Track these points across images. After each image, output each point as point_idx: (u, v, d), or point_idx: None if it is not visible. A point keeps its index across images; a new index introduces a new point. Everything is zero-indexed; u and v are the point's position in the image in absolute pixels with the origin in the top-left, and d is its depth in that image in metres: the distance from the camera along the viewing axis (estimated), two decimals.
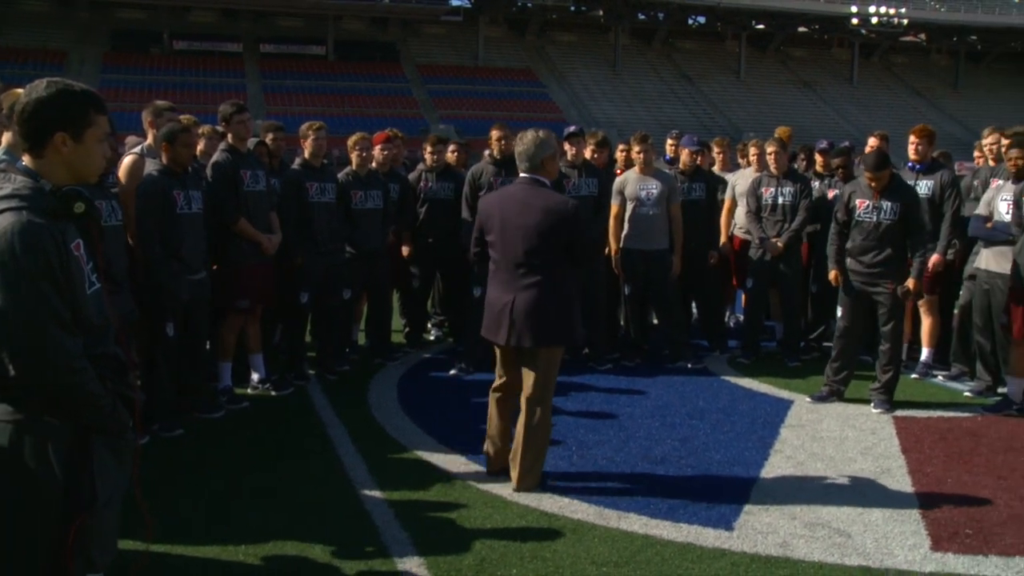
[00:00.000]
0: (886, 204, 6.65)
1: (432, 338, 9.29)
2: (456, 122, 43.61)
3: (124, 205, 5.74)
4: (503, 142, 7.83)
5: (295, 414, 6.60)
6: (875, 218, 6.68)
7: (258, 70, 49.28)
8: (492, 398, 5.38)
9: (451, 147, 9.02)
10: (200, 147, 6.94)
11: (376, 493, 5.03)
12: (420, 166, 8.70)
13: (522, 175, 5.13)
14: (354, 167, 7.80)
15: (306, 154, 7.33)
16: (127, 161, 6.09)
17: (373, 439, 6.02)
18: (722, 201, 8.85)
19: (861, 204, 6.77)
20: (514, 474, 5.08)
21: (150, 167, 6.00)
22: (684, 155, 8.50)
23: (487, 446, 5.37)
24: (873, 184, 6.68)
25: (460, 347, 8.29)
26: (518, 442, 5.06)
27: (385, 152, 8.12)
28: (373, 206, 7.79)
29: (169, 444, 5.85)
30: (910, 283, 6.64)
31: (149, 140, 6.28)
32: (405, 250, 8.40)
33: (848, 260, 6.87)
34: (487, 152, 8.08)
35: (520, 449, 5.04)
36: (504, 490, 5.06)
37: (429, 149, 8.50)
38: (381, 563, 4.19)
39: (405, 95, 49.14)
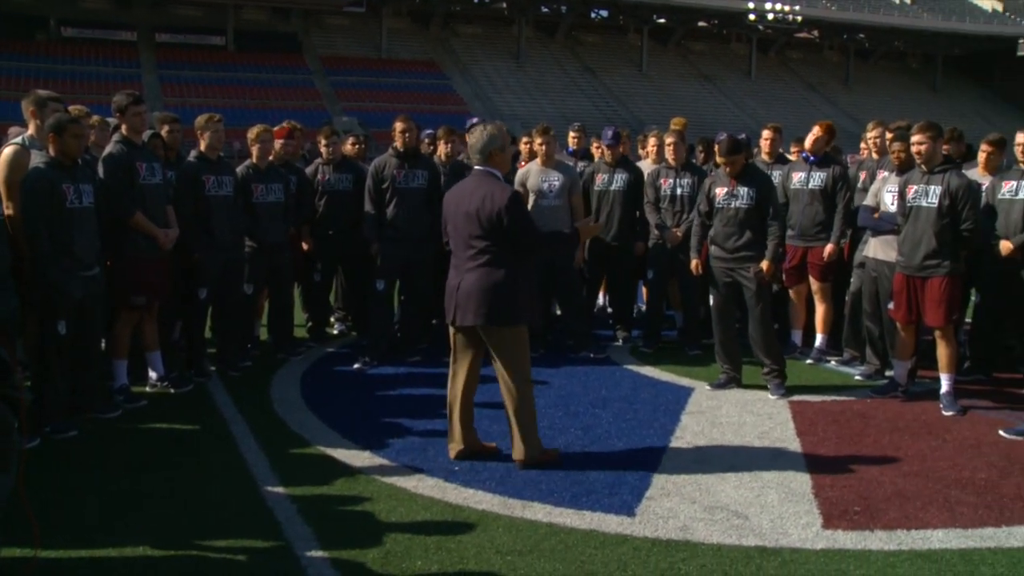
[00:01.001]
0: (742, 190, 6.90)
1: (335, 332, 9.22)
2: (360, 114, 43.09)
3: (5, 199, 5.55)
4: (407, 135, 7.81)
5: (195, 412, 6.48)
6: (732, 204, 6.93)
7: (154, 60, 47.81)
8: (449, 386, 5.57)
9: (350, 139, 8.96)
10: (91, 138, 6.76)
11: (279, 489, 4.98)
12: (318, 160, 8.60)
13: (475, 167, 5.43)
14: (254, 160, 7.69)
15: (202, 147, 7.19)
16: (7, 152, 5.85)
17: (276, 435, 5.96)
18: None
19: (720, 192, 7.02)
20: (517, 450, 5.36)
21: (36, 159, 5.79)
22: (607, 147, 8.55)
23: (449, 433, 5.55)
24: (727, 169, 6.93)
25: (364, 341, 8.26)
26: (514, 425, 5.35)
27: (286, 146, 8.03)
28: (274, 199, 7.69)
29: (63, 445, 5.69)
30: (764, 264, 6.87)
31: (31, 131, 6.06)
32: (305, 244, 8.31)
33: (713, 247, 7.12)
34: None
35: (513, 428, 5.35)
36: (409, 483, 5.07)
37: (324, 141, 8.43)
38: (284, 559, 4.15)
39: (308, 87, 48.33)
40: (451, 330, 5.50)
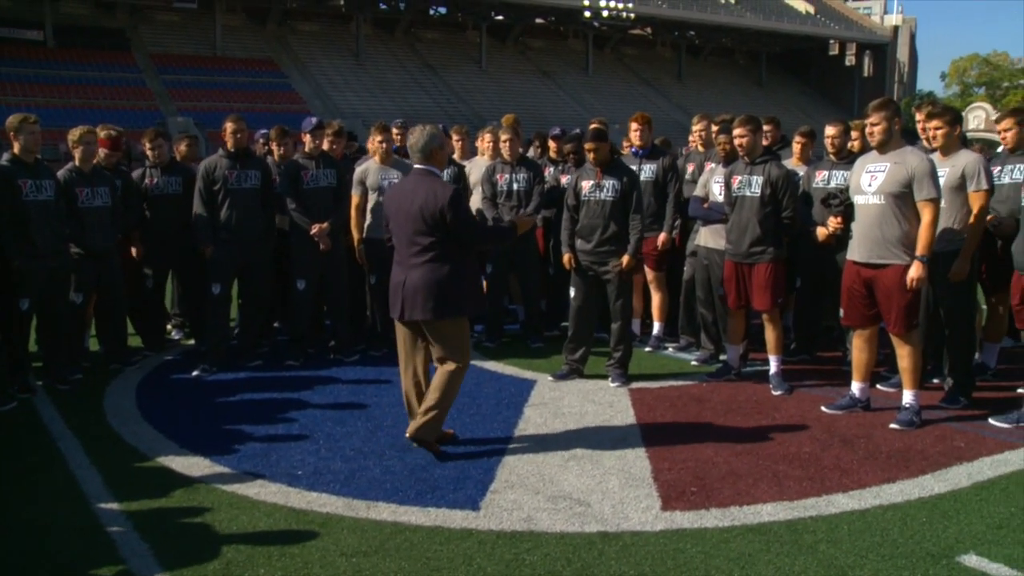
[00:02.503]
0: (608, 183, 7.06)
1: (174, 339, 8.92)
2: (195, 114, 41.69)
3: None
4: (238, 135, 7.62)
5: (20, 429, 6.14)
6: (598, 196, 7.06)
7: None
8: (401, 372, 5.70)
9: (184, 140, 8.68)
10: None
11: (113, 505, 4.77)
12: (148, 162, 8.28)
13: (416, 166, 5.57)
14: (78, 163, 7.34)
15: (16, 149, 6.80)
16: None
17: (109, 449, 5.72)
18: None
19: (586, 185, 7.15)
20: (413, 424, 5.48)
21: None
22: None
23: (410, 421, 5.59)
24: (593, 155, 7.06)
25: (202, 347, 8.01)
26: (426, 395, 5.49)
27: (110, 157, 7.71)
28: (101, 204, 7.37)
29: None
30: (624, 259, 7.05)
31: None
32: (135, 251, 8.00)
33: (577, 241, 7.22)
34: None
35: (424, 404, 5.46)
36: (251, 490, 4.95)
37: (149, 144, 8.10)
38: None
39: (138, 86, 46.31)
40: (397, 325, 5.65)
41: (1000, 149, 7.47)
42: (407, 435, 5.50)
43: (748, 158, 6.90)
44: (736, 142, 6.92)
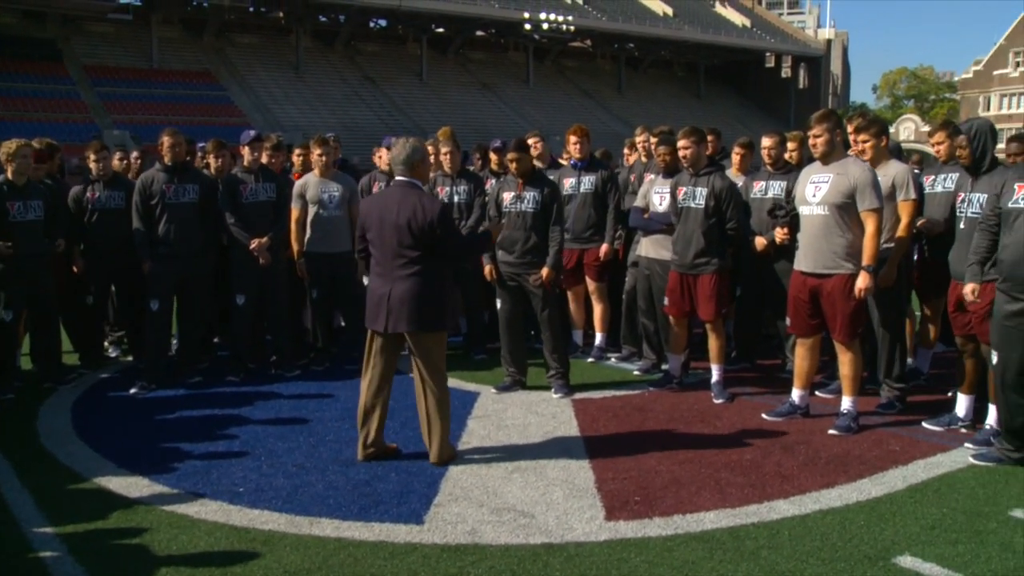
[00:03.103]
0: (529, 194, 7.08)
1: (111, 356, 8.75)
2: (132, 127, 40.86)
3: None
4: (176, 148, 7.52)
5: None
6: (519, 207, 7.08)
7: None
8: (363, 386, 5.64)
9: (117, 154, 8.53)
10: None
11: (46, 529, 4.65)
12: (90, 175, 8.13)
13: (398, 178, 5.59)
14: (10, 176, 7.18)
15: None
16: None
17: (43, 470, 5.57)
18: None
19: (507, 196, 7.16)
20: (432, 453, 5.55)
21: None
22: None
23: (360, 435, 5.63)
24: (514, 167, 7.07)
25: (140, 364, 7.87)
26: (427, 423, 5.55)
27: (38, 171, 7.55)
28: (34, 217, 7.22)
29: None
30: (544, 272, 7.07)
31: None
32: (76, 267, 7.84)
33: (500, 252, 7.24)
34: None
35: (430, 428, 5.53)
36: (191, 509, 4.87)
37: (93, 157, 7.96)
38: None
39: (72, 98, 45.27)
40: (372, 336, 5.61)
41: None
42: (433, 462, 5.54)
43: (692, 170, 6.99)
44: (680, 154, 7.01)
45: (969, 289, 5.57)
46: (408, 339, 5.52)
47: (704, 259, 6.91)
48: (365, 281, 8.09)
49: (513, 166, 7.11)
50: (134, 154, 9.24)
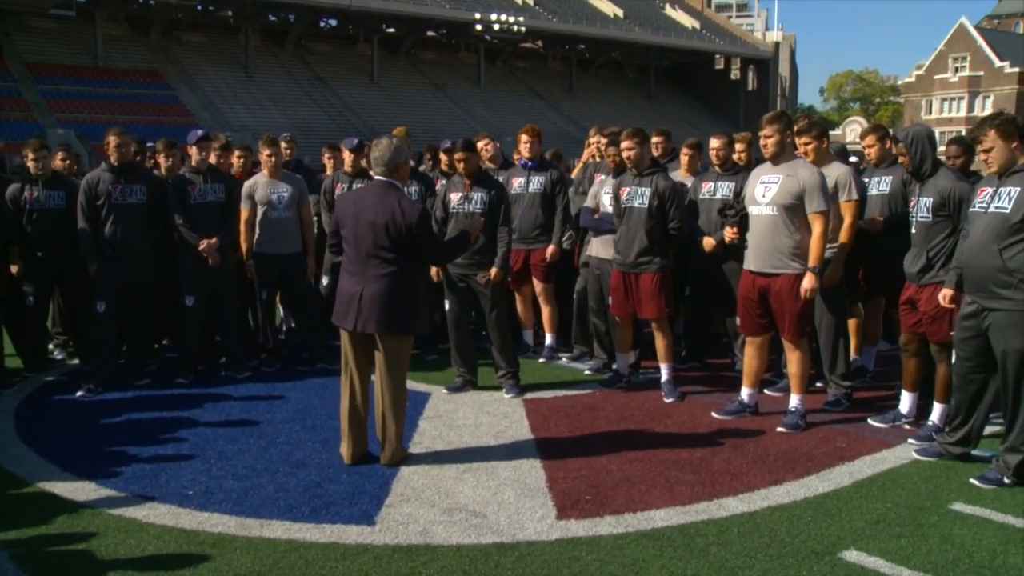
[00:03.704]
0: (476, 195, 7.09)
1: (56, 358, 8.60)
2: (77, 126, 40.23)
3: None
4: (122, 148, 7.41)
5: None
6: (467, 208, 7.09)
7: None
8: (343, 386, 5.63)
9: (59, 154, 8.39)
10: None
11: None
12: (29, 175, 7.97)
13: (377, 178, 5.57)
14: None
15: None
16: None
17: None
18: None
19: (455, 197, 7.17)
20: (385, 453, 5.55)
21: None
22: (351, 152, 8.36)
23: (343, 439, 5.62)
24: (463, 165, 7.07)
25: (86, 366, 7.74)
26: (381, 423, 5.54)
27: None
28: None
29: None
30: (493, 272, 7.10)
31: None
32: (13, 268, 7.69)
33: None
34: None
35: (384, 428, 5.54)
36: (139, 513, 4.81)
37: (31, 156, 7.79)
38: None
39: (14, 96, 44.34)
40: (344, 337, 5.59)
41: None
42: (384, 463, 5.53)
43: (636, 170, 7.04)
44: (624, 154, 7.06)
45: (942, 295, 5.64)
46: (376, 339, 5.49)
47: (647, 258, 6.97)
48: (324, 281, 8.09)
49: (460, 166, 7.11)
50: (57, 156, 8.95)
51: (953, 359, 5.55)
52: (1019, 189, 5.06)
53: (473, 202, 7.06)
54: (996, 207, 5.14)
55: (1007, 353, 5.10)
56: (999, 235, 5.08)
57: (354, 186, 8.18)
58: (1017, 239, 5.02)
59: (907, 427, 6.25)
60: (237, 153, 8.29)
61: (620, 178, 7.25)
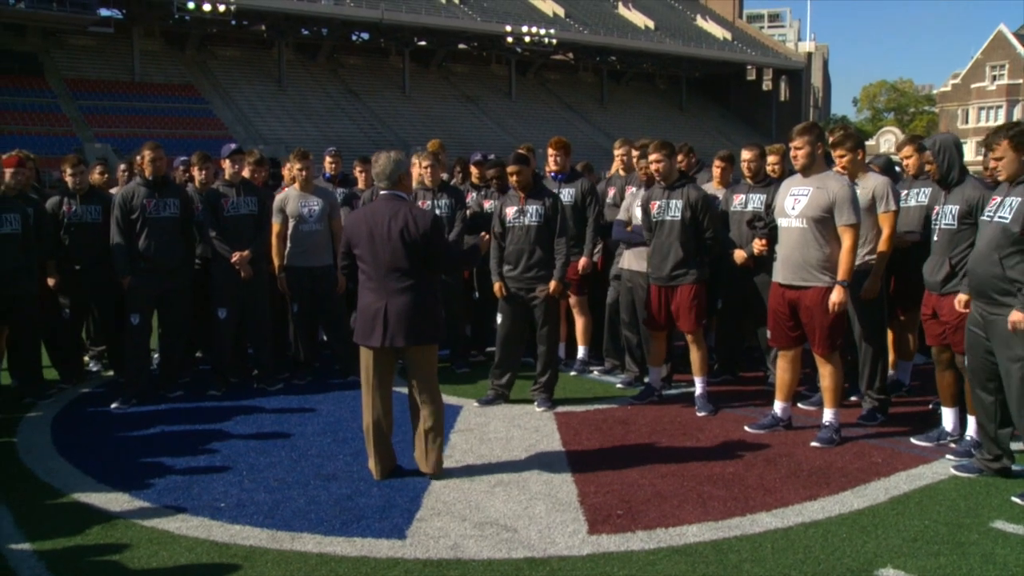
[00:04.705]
0: (531, 208, 7.08)
1: (92, 370, 8.69)
2: (113, 140, 40.76)
3: None
4: (156, 163, 7.49)
5: None
6: (523, 221, 7.08)
7: None
8: (366, 405, 5.58)
9: (97, 168, 8.50)
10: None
11: (25, 546, 4.61)
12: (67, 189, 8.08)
13: (382, 192, 5.58)
14: None
15: None
16: None
17: (22, 486, 5.52)
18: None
19: (510, 211, 7.16)
20: (430, 464, 5.57)
21: None
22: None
23: (371, 456, 5.58)
24: (516, 179, 7.07)
25: (121, 378, 7.82)
26: (424, 436, 5.56)
27: (17, 176, 7.49)
28: (10, 231, 7.18)
29: None
30: (551, 285, 7.08)
31: None
32: (51, 280, 7.78)
33: (505, 267, 7.22)
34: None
35: (428, 441, 5.55)
36: (171, 524, 4.83)
37: (69, 171, 7.91)
38: None
39: (53, 111, 45.06)
40: (367, 355, 5.53)
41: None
42: (431, 472, 5.55)
43: (665, 183, 7.02)
44: (652, 168, 7.05)
45: (957, 300, 5.61)
46: (404, 353, 5.50)
47: (682, 270, 6.94)
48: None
49: (514, 179, 7.10)
50: (121, 167, 9.16)
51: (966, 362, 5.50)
52: (1020, 200, 5.09)
53: (528, 215, 7.06)
54: (999, 216, 5.18)
55: (1010, 361, 5.10)
56: (999, 244, 5.13)
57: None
58: (1016, 248, 5.06)
59: (952, 445, 6.09)
60: (298, 166, 8.15)
61: (649, 192, 7.23)
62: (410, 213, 5.41)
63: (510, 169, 7.12)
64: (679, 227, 6.91)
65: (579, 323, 8.37)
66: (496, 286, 7.33)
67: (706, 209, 6.93)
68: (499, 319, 7.37)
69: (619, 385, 7.90)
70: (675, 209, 6.92)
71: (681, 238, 6.91)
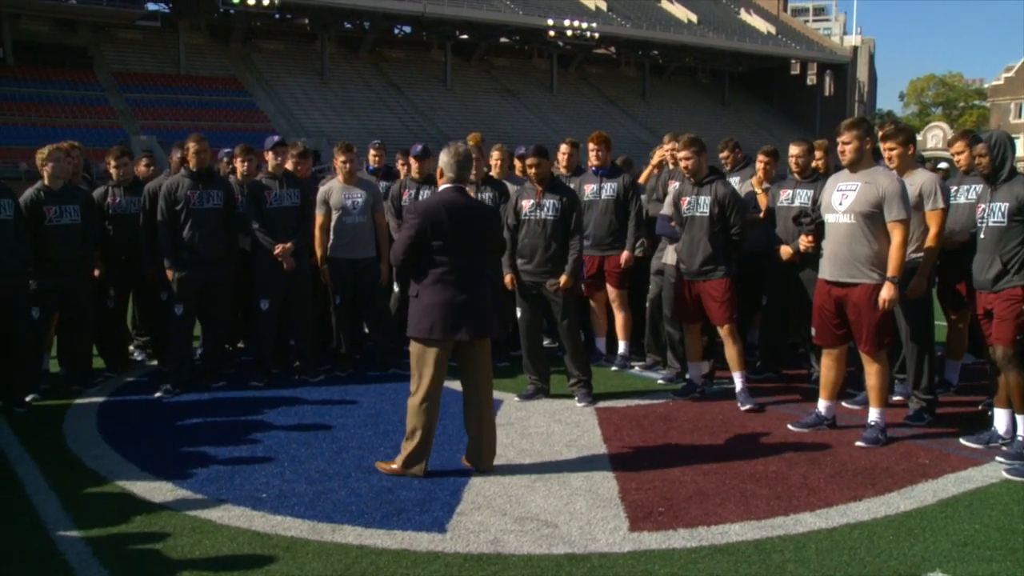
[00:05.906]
0: (548, 202, 7.05)
1: (137, 360, 8.79)
2: (159, 132, 41.26)
3: None
4: (201, 155, 7.56)
5: None
6: (539, 215, 7.05)
7: None
8: (433, 404, 5.48)
9: (143, 160, 8.59)
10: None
11: (72, 532, 4.66)
12: (111, 181, 8.18)
13: (447, 185, 5.46)
14: (46, 182, 7.27)
15: None
16: None
17: (69, 473, 5.59)
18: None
19: (526, 204, 7.14)
20: (487, 458, 5.56)
21: None
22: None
23: (426, 459, 5.50)
24: (534, 172, 7.05)
25: (165, 368, 7.90)
26: (482, 431, 5.54)
27: (62, 164, 7.58)
28: (69, 221, 7.31)
29: None
30: (562, 279, 7.04)
31: None
32: (96, 270, 7.88)
33: (519, 261, 7.21)
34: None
35: (485, 435, 5.54)
36: (213, 514, 4.87)
37: (113, 163, 8.01)
38: None
39: (101, 104, 45.79)
40: (437, 352, 5.40)
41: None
42: (486, 469, 5.53)
43: (694, 179, 6.98)
44: (681, 164, 7.03)
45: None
46: (470, 347, 5.49)
47: (711, 266, 6.92)
48: (396, 288, 8.10)
49: (532, 172, 7.08)
50: (178, 154, 9.21)
51: None
52: None
53: (545, 209, 7.03)
54: None
55: None
56: None
57: (422, 193, 8.21)
58: None
59: (1004, 448, 5.93)
60: (342, 158, 8.16)
61: (679, 188, 7.19)
62: (481, 207, 5.51)
63: (529, 161, 7.09)
64: (707, 223, 6.88)
65: (619, 318, 8.32)
66: (507, 278, 7.36)
67: (734, 205, 6.89)
68: (519, 312, 7.38)
69: (660, 381, 7.85)
70: (704, 205, 6.89)
71: (709, 233, 6.89)
